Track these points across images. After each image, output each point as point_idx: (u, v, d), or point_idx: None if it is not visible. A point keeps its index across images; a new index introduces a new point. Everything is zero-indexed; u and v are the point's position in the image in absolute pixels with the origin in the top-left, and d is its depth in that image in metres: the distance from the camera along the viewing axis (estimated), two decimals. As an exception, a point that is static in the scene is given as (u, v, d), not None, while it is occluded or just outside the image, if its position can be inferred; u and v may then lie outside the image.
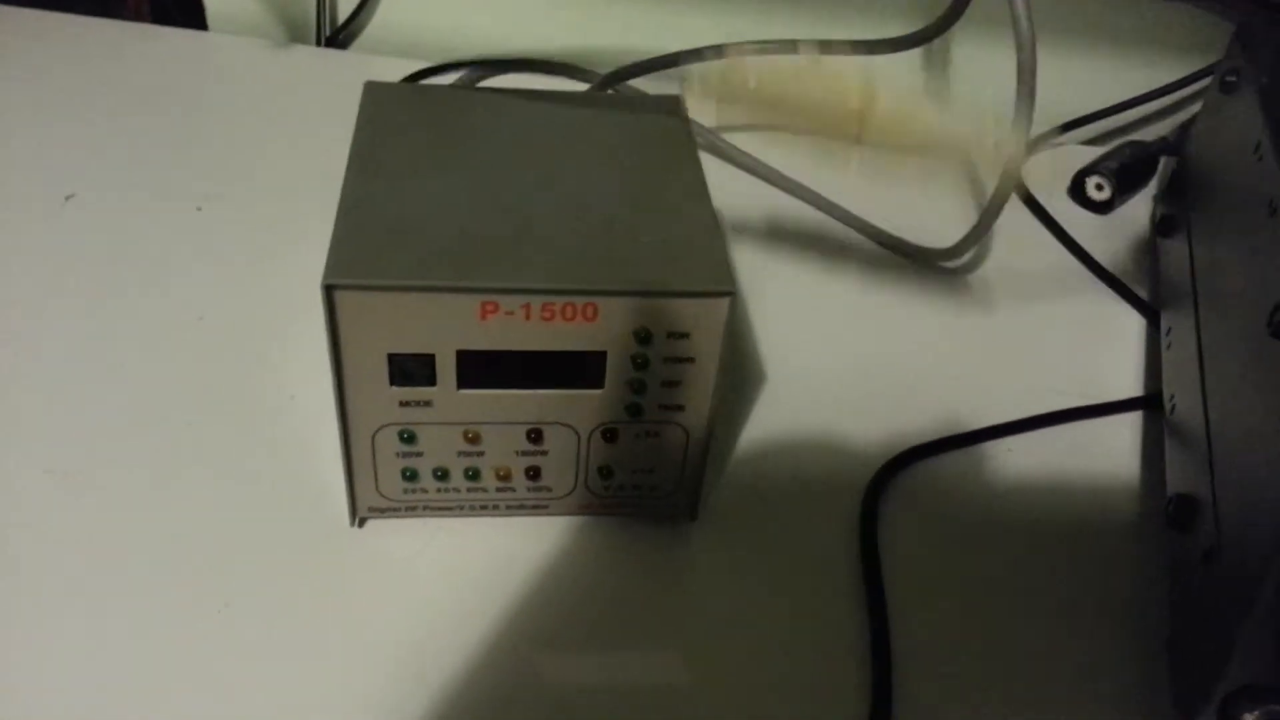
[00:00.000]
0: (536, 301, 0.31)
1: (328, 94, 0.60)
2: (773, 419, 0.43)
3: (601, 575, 0.36)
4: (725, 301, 0.32)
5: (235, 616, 0.34)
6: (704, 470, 0.37)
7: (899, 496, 0.41)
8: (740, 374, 0.45)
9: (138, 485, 0.37)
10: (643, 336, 0.32)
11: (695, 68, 0.36)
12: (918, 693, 0.34)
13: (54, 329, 0.43)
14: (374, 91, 0.39)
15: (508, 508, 0.37)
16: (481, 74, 0.62)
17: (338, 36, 0.67)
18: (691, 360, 0.33)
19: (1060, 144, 0.64)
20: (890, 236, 0.54)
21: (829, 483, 0.41)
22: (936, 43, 0.50)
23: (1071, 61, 0.64)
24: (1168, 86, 0.62)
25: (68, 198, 0.49)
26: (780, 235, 0.54)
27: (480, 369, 0.33)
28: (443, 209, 0.33)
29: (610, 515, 0.38)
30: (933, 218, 0.55)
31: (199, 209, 0.50)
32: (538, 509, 0.37)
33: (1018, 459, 0.43)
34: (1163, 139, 0.59)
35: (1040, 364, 0.48)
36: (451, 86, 0.41)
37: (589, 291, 0.31)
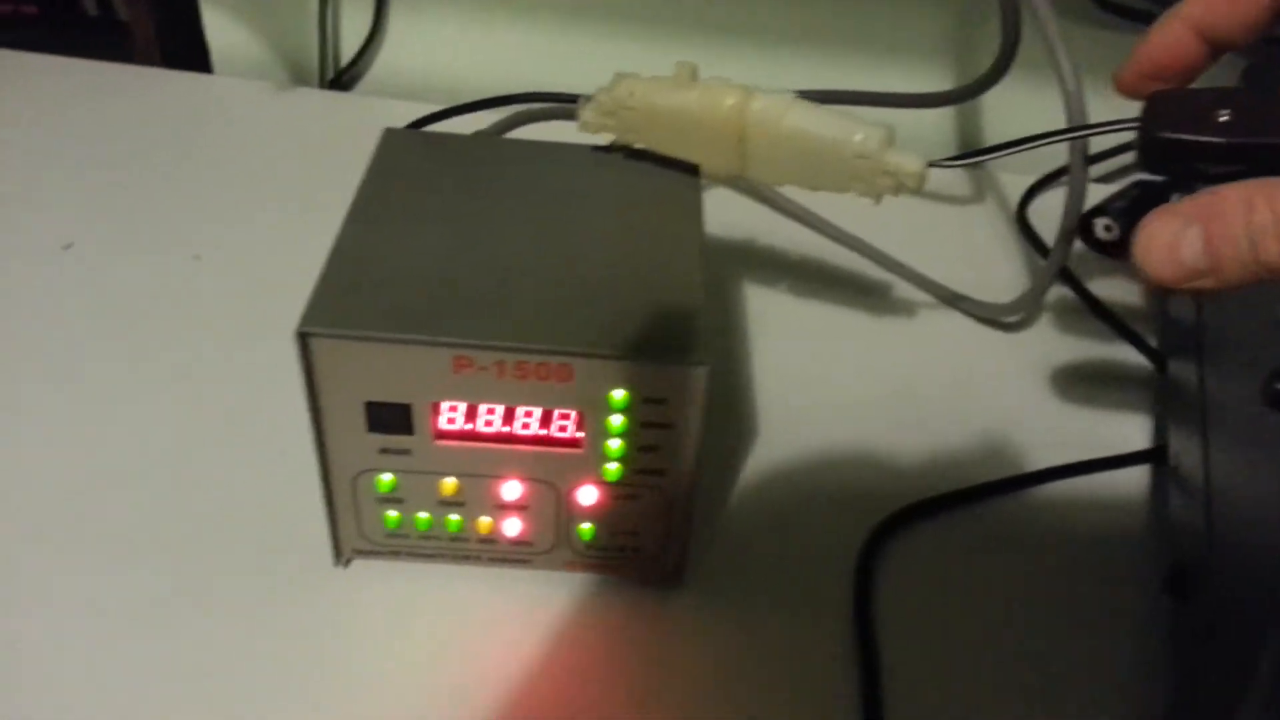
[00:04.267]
0: (510, 359, 0.31)
1: (330, 137, 0.58)
2: (773, 473, 0.42)
3: (580, 636, 0.36)
4: (702, 372, 0.31)
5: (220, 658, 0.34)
6: (688, 536, 0.36)
7: (896, 557, 0.39)
8: (741, 423, 0.44)
9: (121, 537, 0.37)
10: (619, 400, 0.32)
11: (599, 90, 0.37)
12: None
13: (45, 381, 0.43)
14: (390, 138, 0.39)
15: (490, 560, 0.37)
16: (500, 113, 0.59)
17: (341, 78, 0.67)
18: (670, 426, 0.33)
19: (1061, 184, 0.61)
20: (941, 287, 0.52)
21: (825, 543, 0.39)
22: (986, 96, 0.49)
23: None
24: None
25: (66, 247, 0.49)
26: (797, 272, 0.53)
27: (457, 422, 0.33)
28: (434, 260, 0.33)
29: (595, 573, 0.37)
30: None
31: (197, 257, 0.50)
32: (521, 563, 0.37)
33: (1023, 515, 0.41)
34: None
35: (1052, 415, 0.46)
36: (471, 136, 0.41)
37: (562, 352, 0.31)
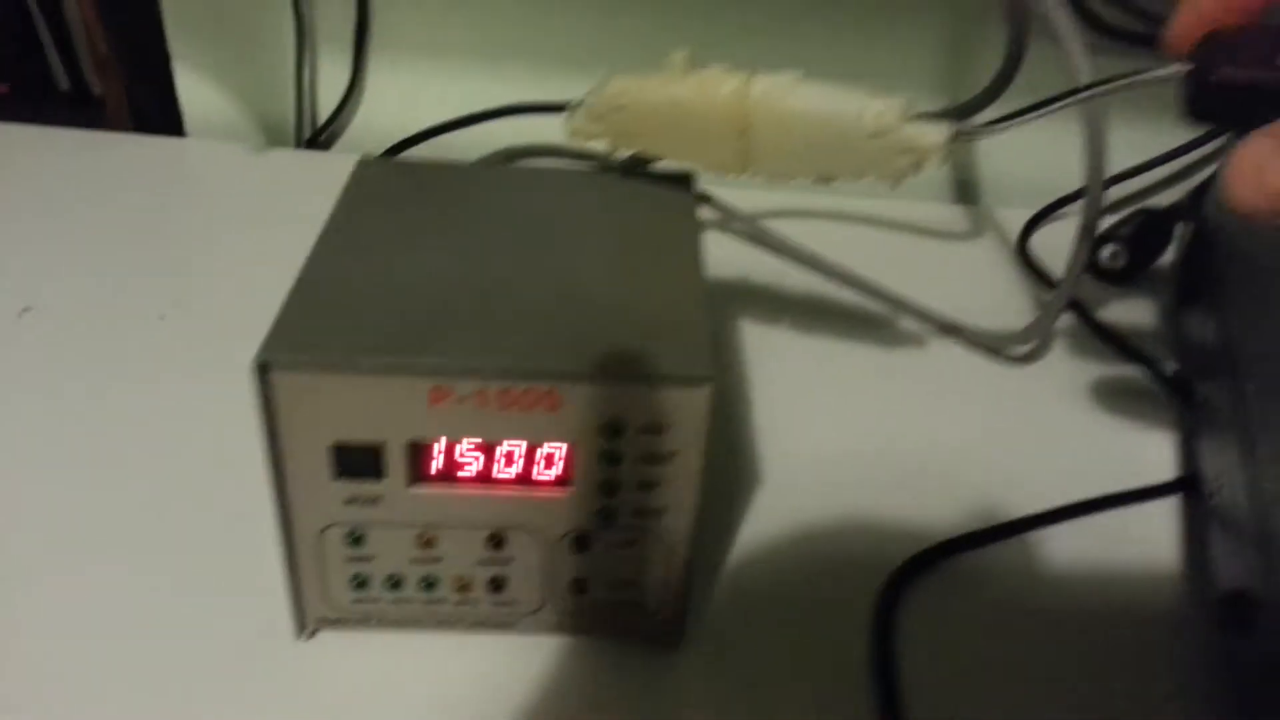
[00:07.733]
0: (492, 387, 0.28)
1: (307, 195, 0.55)
2: (777, 520, 0.39)
3: (572, 709, 0.32)
4: (704, 391, 0.28)
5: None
6: (689, 586, 0.32)
7: (919, 604, 0.36)
8: (738, 468, 0.41)
9: (65, 606, 0.33)
10: (613, 430, 0.29)
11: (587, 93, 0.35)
12: None
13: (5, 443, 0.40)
14: (363, 169, 0.37)
15: (472, 624, 0.33)
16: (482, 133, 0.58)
17: (319, 138, 0.65)
18: (670, 458, 0.29)
19: (1067, 215, 0.59)
20: (944, 319, 0.49)
21: (838, 593, 0.36)
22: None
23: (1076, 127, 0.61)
24: (1179, 149, 0.58)
25: (23, 311, 0.46)
26: (792, 311, 0.50)
27: (433, 465, 0.29)
28: (409, 285, 0.31)
29: (587, 636, 0.34)
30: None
31: (162, 317, 0.47)
32: (504, 626, 0.33)
33: (1048, 554, 0.38)
34: (1177, 203, 0.55)
35: (1067, 448, 0.44)
36: (448, 164, 0.38)
37: (548, 375, 0.28)
